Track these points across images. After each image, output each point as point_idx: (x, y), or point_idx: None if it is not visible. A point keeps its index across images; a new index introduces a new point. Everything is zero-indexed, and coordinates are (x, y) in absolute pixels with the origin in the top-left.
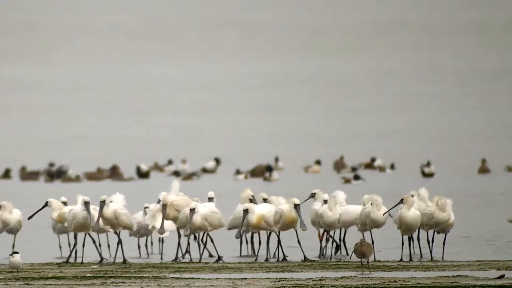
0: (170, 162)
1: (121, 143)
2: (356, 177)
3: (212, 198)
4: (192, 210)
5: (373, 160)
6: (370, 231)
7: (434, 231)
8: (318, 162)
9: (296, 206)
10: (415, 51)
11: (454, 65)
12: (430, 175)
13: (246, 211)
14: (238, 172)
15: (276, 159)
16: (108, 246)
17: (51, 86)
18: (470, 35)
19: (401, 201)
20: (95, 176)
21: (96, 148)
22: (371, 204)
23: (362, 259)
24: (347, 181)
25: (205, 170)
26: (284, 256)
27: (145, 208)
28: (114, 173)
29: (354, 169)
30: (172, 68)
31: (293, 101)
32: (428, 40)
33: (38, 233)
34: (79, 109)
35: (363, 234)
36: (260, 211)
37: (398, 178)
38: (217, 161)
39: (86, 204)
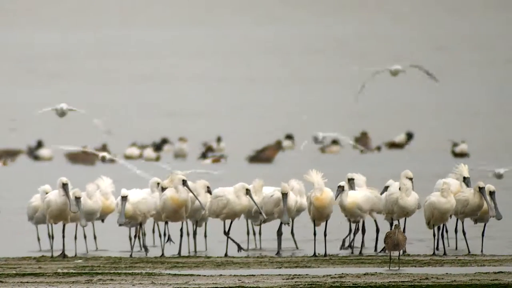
0: (165, 141)
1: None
2: None
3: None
4: (124, 198)
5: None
6: (398, 220)
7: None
8: (335, 142)
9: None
10: None
11: None
12: (462, 154)
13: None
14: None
15: (289, 137)
16: (95, 237)
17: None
18: None
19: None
20: (80, 157)
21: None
22: (399, 189)
23: (393, 251)
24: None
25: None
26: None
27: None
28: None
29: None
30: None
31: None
32: None
33: (13, 223)
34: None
35: (399, 221)
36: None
37: None
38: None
39: (65, 186)
